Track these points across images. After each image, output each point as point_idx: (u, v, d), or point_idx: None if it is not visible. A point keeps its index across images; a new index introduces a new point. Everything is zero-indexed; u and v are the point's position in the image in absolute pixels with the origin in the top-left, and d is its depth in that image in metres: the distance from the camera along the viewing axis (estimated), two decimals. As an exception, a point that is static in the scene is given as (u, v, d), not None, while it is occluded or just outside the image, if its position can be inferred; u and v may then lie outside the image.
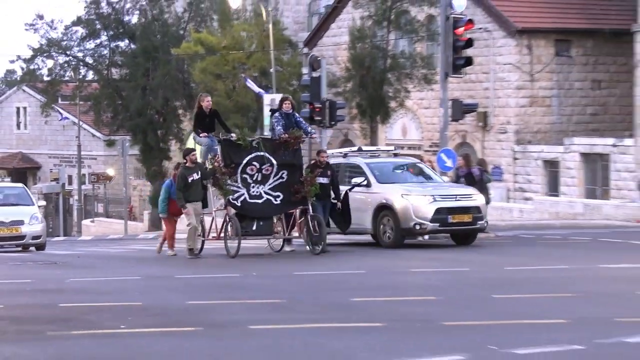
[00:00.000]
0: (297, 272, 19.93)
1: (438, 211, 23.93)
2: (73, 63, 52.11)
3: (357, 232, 25.62)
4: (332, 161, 25.25)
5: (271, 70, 41.20)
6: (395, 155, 27.85)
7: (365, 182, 24.99)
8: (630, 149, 37.61)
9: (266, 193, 22.75)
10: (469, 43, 30.88)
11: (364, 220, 24.75)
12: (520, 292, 16.35)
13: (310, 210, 22.97)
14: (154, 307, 15.14)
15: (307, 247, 23.30)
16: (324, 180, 23.52)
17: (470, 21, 31.36)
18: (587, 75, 41.32)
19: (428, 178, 26.50)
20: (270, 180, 22.77)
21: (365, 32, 40.72)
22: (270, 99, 38.15)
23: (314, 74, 35.21)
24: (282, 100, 23.98)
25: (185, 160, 23.14)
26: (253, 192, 22.63)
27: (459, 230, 25.02)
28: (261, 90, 39.30)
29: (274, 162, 22.75)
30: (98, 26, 50.23)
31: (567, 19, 40.86)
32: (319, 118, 34.83)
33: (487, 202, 28.29)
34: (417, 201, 24.01)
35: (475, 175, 27.34)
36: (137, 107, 47.43)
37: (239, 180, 22.54)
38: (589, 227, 32.59)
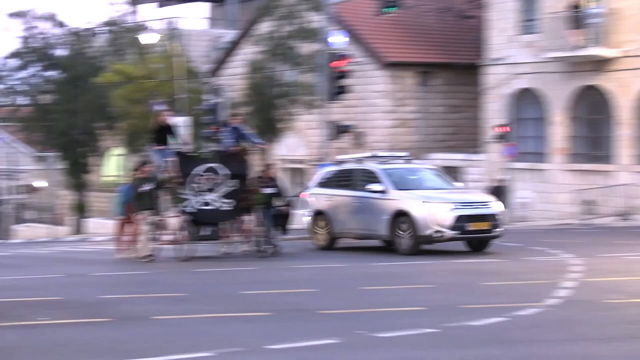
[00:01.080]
0: (198, 269, 19.81)
1: (458, 219, 21.32)
2: (9, 90, 51.27)
3: (370, 237, 23.35)
4: (345, 167, 24.09)
5: (179, 96, 40.88)
6: (408, 161, 24.66)
7: (381, 189, 22.16)
8: (479, 163, 38.21)
9: (216, 200, 21.94)
10: (345, 74, 31.11)
11: (378, 226, 22.30)
12: (383, 284, 16.52)
13: (258, 216, 22.19)
14: (72, 301, 15.01)
15: (255, 249, 22.30)
16: (269, 190, 22.41)
17: (347, 56, 31.59)
18: (444, 101, 41.86)
19: (443, 184, 23.69)
20: (222, 189, 21.95)
21: (260, 64, 40.67)
22: (177, 121, 37.87)
23: (216, 100, 35.17)
24: (231, 115, 23.66)
25: (138, 172, 22.10)
26: (204, 199, 21.83)
27: (478, 237, 22.43)
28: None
29: (225, 172, 21.98)
30: (31, 58, 49.55)
31: (428, 54, 41.34)
32: (216, 138, 34.72)
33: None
34: (437, 209, 21.36)
35: None
36: (64, 128, 46.92)
37: (191, 188, 21.72)
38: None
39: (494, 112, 37.34)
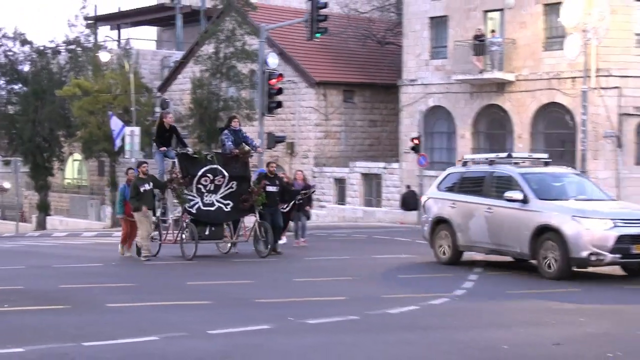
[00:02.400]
0: (148, 262, 19.52)
1: (620, 239, 15.16)
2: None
3: (505, 253, 17.26)
4: (474, 169, 18.26)
5: (131, 108, 40.47)
6: (546, 164, 18.21)
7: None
8: (396, 171, 38.37)
9: (218, 201, 19.70)
10: (279, 91, 31.04)
11: (516, 242, 16.44)
12: (313, 277, 16.42)
13: (258, 217, 19.89)
14: (33, 290, 14.70)
15: (255, 249, 20.10)
16: (273, 188, 20.52)
17: (281, 75, 31.52)
18: (366, 116, 41.99)
19: (594, 193, 17.51)
20: (222, 190, 19.71)
21: (203, 81, 40.40)
22: (130, 130, 37.43)
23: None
24: (231, 119, 20.88)
25: (137, 172, 20.08)
26: (206, 200, 19.59)
27: None
28: (123, 124, 38.45)
29: (226, 174, 19.69)
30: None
31: (352, 75, 41.47)
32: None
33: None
34: (593, 225, 15.31)
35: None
36: (28, 136, 46.10)
37: (194, 190, 19.47)
38: (366, 228, 33.05)
39: (409, 126, 37.53)
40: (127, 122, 39.57)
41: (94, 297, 13.74)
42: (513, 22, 33.84)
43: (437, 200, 18.71)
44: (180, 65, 46.33)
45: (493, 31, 34.04)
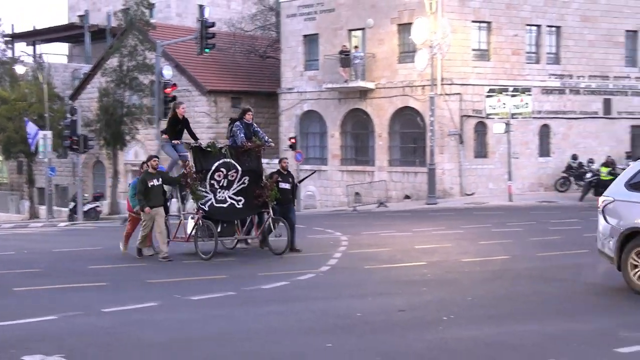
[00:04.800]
0: (56, 249, 18.85)
1: None
2: None
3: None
4: None
5: (45, 115, 39.11)
6: None
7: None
8: (277, 166, 38.06)
9: (230, 197, 16.19)
10: (174, 98, 30.43)
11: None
12: (200, 259, 15.99)
13: (272, 213, 16.32)
14: (-53, 277, 13.92)
15: (268, 246, 16.54)
16: (286, 185, 16.75)
17: (175, 84, 31.07)
18: (251, 119, 41.57)
19: None
20: (234, 186, 16.21)
21: (109, 91, 39.41)
22: (44, 134, 36.19)
23: (73, 118, 33.84)
24: (245, 111, 16.95)
25: (147, 166, 16.10)
26: (219, 196, 16.05)
27: None
28: (38, 129, 37.05)
29: (239, 168, 16.20)
30: None
31: (238, 84, 41.09)
32: (76, 147, 33.42)
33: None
34: None
35: None
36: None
37: (207, 185, 15.95)
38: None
39: (287, 127, 37.46)
40: (41, 127, 38.19)
41: (3, 282, 13.15)
42: (373, 39, 34.13)
43: (629, 205, 11.00)
44: (88, 77, 45.00)
45: (356, 47, 34.25)
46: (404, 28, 32.98)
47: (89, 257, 16.88)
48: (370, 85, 33.97)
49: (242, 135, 16.32)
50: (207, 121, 39.70)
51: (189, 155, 16.12)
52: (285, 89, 37.78)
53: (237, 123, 16.52)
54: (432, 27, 30.39)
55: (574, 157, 32.90)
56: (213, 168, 15.90)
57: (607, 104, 35.50)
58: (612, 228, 11.20)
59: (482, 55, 32.92)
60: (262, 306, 10.49)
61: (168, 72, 30.45)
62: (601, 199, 11.47)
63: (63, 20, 56.76)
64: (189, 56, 38.89)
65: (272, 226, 16.18)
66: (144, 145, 42.15)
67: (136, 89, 39.08)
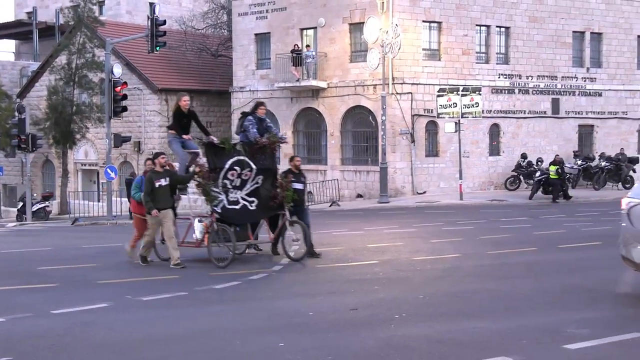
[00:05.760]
0: (4, 250, 18.50)
1: None
2: None
3: None
4: None
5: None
6: None
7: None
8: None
9: (243, 199, 14.85)
10: (124, 97, 30.24)
11: None
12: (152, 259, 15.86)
13: (289, 215, 15.06)
14: None
15: (284, 252, 15.17)
16: (299, 185, 15.54)
17: (125, 83, 30.69)
18: (203, 118, 40.38)
19: None
20: (247, 186, 14.90)
21: (58, 89, 38.75)
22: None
23: (21, 116, 33.27)
24: (257, 105, 15.57)
25: (153, 164, 14.76)
26: (231, 197, 14.72)
27: None
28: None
29: (253, 166, 14.87)
30: None
31: (190, 82, 40.74)
32: (24, 146, 32.86)
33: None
34: None
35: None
36: None
37: (220, 185, 14.63)
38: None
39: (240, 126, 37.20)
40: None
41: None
42: (324, 38, 34.17)
43: None
44: (37, 75, 44.25)
45: (308, 46, 34.26)
46: (356, 27, 33.10)
47: (39, 258, 16.63)
48: (322, 84, 34.00)
49: (255, 130, 15.03)
50: (158, 120, 39.36)
51: (200, 152, 14.91)
52: (237, 87, 37.63)
53: (249, 117, 15.26)
54: (384, 26, 30.55)
55: (524, 156, 33.36)
56: (227, 166, 14.60)
57: (555, 104, 36.07)
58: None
59: (433, 54, 33.18)
60: (214, 306, 10.44)
61: (118, 70, 30.13)
62: (625, 200, 9.85)
63: (10, 17, 55.75)
64: (140, 54, 38.51)
65: (287, 229, 14.95)
66: (94, 144, 41.67)
67: (85, 87, 38.53)
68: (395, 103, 32.05)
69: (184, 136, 14.88)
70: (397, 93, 32.09)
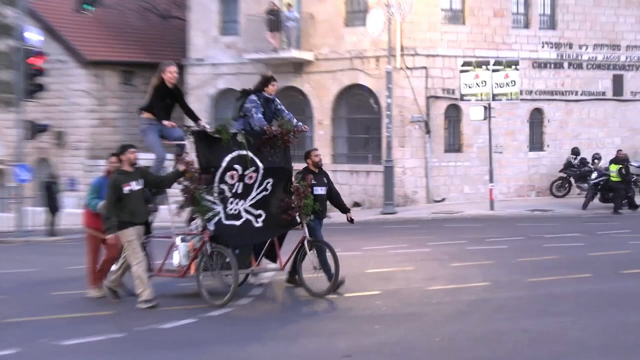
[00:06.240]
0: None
1: None
2: None
3: None
4: None
5: None
6: None
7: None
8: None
9: (246, 211, 13.72)
10: (41, 72, 30.11)
11: None
12: (75, 289, 15.82)
13: (307, 234, 14.07)
14: None
15: (303, 284, 14.26)
16: (321, 190, 14.67)
17: (41, 53, 30.55)
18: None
19: None
20: (253, 193, 13.76)
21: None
22: None
23: None
24: (267, 79, 14.49)
25: (119, 161, 13.61)
26: (230, 209, 13.58)
27: None
28: None
29: (260, 165, 13.81)
30: None
31: (131, 53, 40.71)
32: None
33: (56, 209, 27.94)
34: None
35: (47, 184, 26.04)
36: None
37: (219, 191, 13.51)
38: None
39: (197, 111, 37.01)
40: None
41: None
42: (311, -6, 34.24)
43: None
44: None
45: (289, 5, 34.27)
46: (353, -20, 33.26)
47: None
48: (307, 56, 34.01)
49: (260, 115, 14.17)
50: (87, 103, 39.34)
51: (186, 145, 14.12)
52: (194, 60, 37.62)
53: (252, 97, 14.32)
54: (390, -22, 30.61)
55: (575, 152, 33.46)
56: (224, 165, 13.58)
57: (617, 82, 36.21)
58: None
59: (455, 17, 33.25)
60: (159, 353, 10.39)
61: (33, 35, 30.03)
62: None
63: None
64: (65, 17, 38.46)
65: (307, 252, 14.02)
66: (1, 134, 41.57)
67: (-11, 58, 38.42)
68: (405, 81, 32.09)
69: (165, 122, 13.86)
70: (408, 68, 32.14)
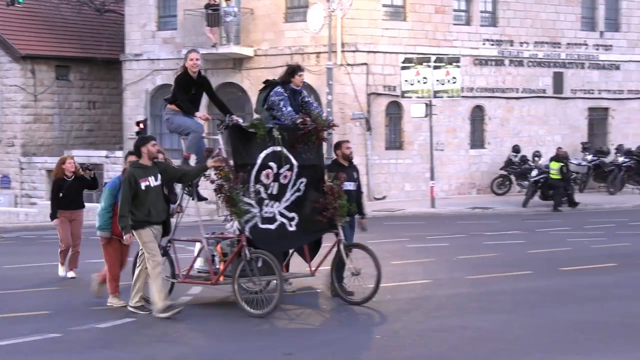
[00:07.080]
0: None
1: None
2: None
3: None
4: None
5: None
6: None
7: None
8: (120, 159, 37.73)
9: (281, 214, 12.94)
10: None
11: None
12: (10, 288, 15.68)
13: (342, 237, 13.32)
14: None
15: (340, 293, 13.37)
16: (350, 186, 13.73)
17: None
18: (84, 96, 40.94)
19: None
20: (287, 194, 13.02)
21: None
22: None
23: None
24: (294, 70, 13.48)
25: (137, 155, 12.46)
26: (266, 212, 12.80)
27: None
28: None
29: (294, 162, 13.02)
30: None
31: (66, 47, 40.34)
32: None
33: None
34: None
35: None
36: None
37: (252, 192, 12.67)
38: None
39: (134, 108, 37.04)
40: None
41: None
42: (251, -11, 34.19)
43: None
44: None
45: (228, -1, 34.21)
46: (293, -25, 33.26)
47: None
48: (247, 51, 33.95)
49: (290, 108, 13.14)
50: (20, 98, 38.89)
51: (220, 139, 13.16)
52: (131, 55, 37.36)
53: (278, 89, 13.30)
54: (330, -26, 30.66)
55: (516, 150, 33.78)
56: (259, 162, 12.76)
57: (558, 80, 36.62)
58: None
59: (397, 13, 33.40)
60: (95, 354, 10.33)
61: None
62: None
63: None
64: (-4, 9, 38.01)
65: (344, 257, 13.20)
66: None
67: None
68: (346, 77, 32.17)
69: (198, 114, 13.22)
70: (348, 64, 32.22)
